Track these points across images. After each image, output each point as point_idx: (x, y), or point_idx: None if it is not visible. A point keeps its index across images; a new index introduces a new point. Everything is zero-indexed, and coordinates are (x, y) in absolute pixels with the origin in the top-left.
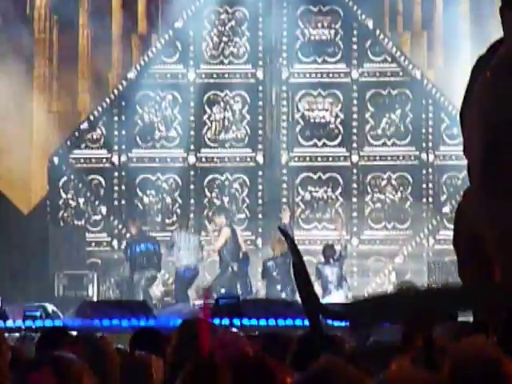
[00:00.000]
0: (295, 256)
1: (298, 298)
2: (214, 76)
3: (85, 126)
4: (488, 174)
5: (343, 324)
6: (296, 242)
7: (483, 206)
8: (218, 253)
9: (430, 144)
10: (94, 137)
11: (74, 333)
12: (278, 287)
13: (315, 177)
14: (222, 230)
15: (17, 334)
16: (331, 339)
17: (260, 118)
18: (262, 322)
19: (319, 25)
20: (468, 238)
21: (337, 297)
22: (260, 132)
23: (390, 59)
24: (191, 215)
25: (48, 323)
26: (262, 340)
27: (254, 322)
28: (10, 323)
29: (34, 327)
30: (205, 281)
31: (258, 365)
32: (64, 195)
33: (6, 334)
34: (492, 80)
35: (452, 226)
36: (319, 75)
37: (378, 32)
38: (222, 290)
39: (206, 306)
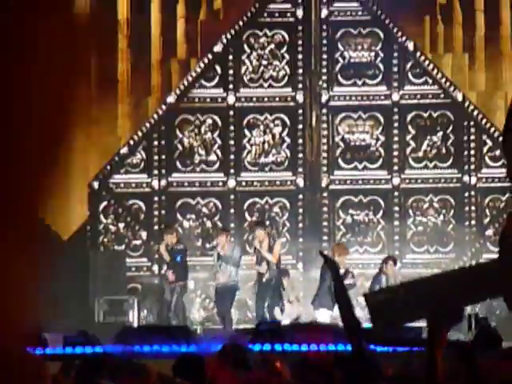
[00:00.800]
0: (336, 280)
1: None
2: (254, 99)
3: (125, 150)
4: None
5: (385, 349)
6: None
7: None
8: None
9: (473, 166)
10: (134, 161)
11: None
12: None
13: (356, 200)
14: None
15: (57, 362)
16: (374, 364)
17: (300, 141)
18: (304, 348)
19: (359, 47)
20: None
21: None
22: (300, 155)
23: (430, 81)
24: (231, 238)
25: (88, 350)
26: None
27: (295, 347)
28: (49, 350)
29: (74, 354)
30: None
31: None
32: (104, 220)
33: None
34: None
35: (495, 249)
36: (359, 98)
37: (418, 54)
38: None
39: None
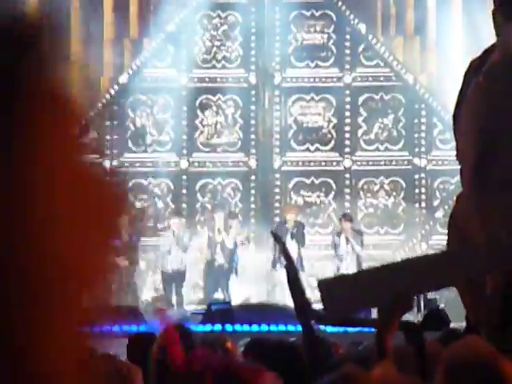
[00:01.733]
0: (287, 261)
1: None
2: (207, 80)
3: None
4: (480, 178)
5: (336, 330)
6: (288, 247)
7: (474, 209)
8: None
9: (423, 149)
10: (86, 141)
11: None
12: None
13: (308, 181)
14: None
15: None
16: (326, 345)
17: (252, 122)
18: (255, 328)
19: (312, 29)
20: (460, 242)
21: None
22: (252, 136)
23: (382, 64)
24: (182, 220)
25: None
26: (248, 347)
27: (246, 327)
28: None
29: None
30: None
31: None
32: None
33: None
34: (485, 85)
35: (445, 231)
36: (312, 80)
37: (370, 36)
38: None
39: (167, 329)
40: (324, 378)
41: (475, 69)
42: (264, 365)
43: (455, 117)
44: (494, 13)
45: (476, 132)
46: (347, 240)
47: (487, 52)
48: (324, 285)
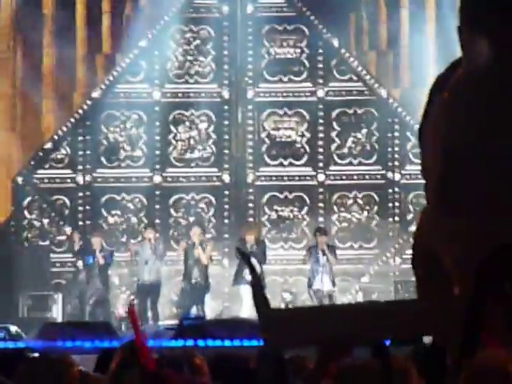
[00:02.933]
0: (252, 274)
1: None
2: (180, 95)
3: (49, 145)
4: (444, 194)
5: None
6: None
7: (439, 226)
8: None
9: (397, 163)
10: (59, 157)
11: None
12: None
13: (282, 196)
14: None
15: None
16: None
17: (226, 137)
18: (227, 343)
19: (284, 43)
20: (425, 259)
21: None
22: (226, 151)
23: (355, 78)
24: (157, 235)
25: (10, 345)
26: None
27: (218, 343)
28: None
29: None
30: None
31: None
32: (28, 215)
33: None
34: (450, 101)
35: None
36: (285, 94)
37: (343, 51)
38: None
39: (135, 327)
40: None
41: (440, 84)
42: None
43: (421, 131)
44: (459, 28)
45: (439, 151)
46: (323, 253)
47: (453, 67)
48: (265, 311)
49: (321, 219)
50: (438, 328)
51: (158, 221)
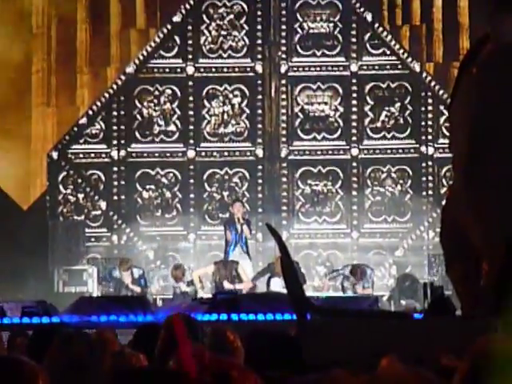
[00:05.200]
0: (283, 253)
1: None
2: (213, 70)
3: (83, 121)
4: (473, 168)
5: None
6: (295, 235)
7: (468, 201)
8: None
9: (430, 137)
10: (93, 132)
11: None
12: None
13: (315, 170)
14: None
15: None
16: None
17: (259, 111)
18: (260, 317)
19: (318, 18)
20: (454, 232)
21: None
22: (259, 126)
23: (388, 52)
24: (191, 210)
25: (45, 320)
26: (246, 338)
27: (252, 317)
28: (7, 320)
29: (31, 324)
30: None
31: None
32: (63, 190)
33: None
34: (478, 77)
35: None
36: (318, 68)
37: (376, 25)
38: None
39: (182, 339)
40: (310, 375)
41: (469, 60)
42: (261, 356)
43: (450, 106)
44: (486, 5)
45: (469, 122)
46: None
47: (480, 42)
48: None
49: (354, 193)
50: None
51: (192, 195)
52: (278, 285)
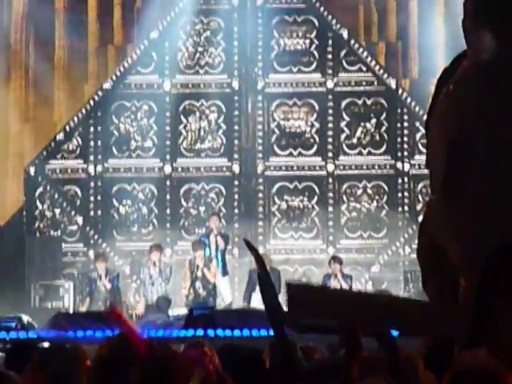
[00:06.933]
0: (260, 266)
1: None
2: (190, 86)
3: (61, 136)
4: (450, 191)
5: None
6: (271, 251)
7: (445, 218)
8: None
9: (406, 153)
10: (70, 147)
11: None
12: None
13: (291, 186)
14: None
15: None
16: (296, 350)
17: (236, 127)
18: (237, 333)
19: (294, 34)
20: (431, 248)
21: None
22: (236, 142)
23: (365, 69)
24: (167, 225)
25: (22, 335)
26: (221, 353)
27: (228, 332)
28: None
29: (7, 339)
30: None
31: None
32: (40, 206)
33: None
34: (456, 93)
35: None
36: (294, 85)
37: (352, 42)
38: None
39: (123, 322)
40: None
41: (446, 77)
42: (232, 370)
43: (427, 124)
44: (463, 21)
45: (446, 142)
46: (337, 280)
47: (457, 60)
48: (293, 289)
49: (330, 209)
50: (445, 323)
51: (168, 211)
52: (258, 301)
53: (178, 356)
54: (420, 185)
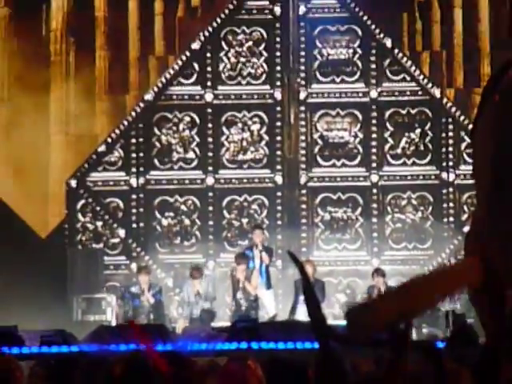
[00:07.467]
0: (303, 279)
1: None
2: (232, 97)
3: (102, 148)
4: (496, 203)
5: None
6: (315, 263)
7: (491, 225)
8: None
9: (451, 163)
10: (112, 159)
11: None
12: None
13: (335, 197)
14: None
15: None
16: (342, 362)
17: (278, 138)
18: (281, 346)
19: (337, 44)
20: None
21: None
22: (278, 152)
23: (408, 78)
24: (210, 237)
25: (64, 349)
26: (265, 366)
27: (272, 345)
28: (25, 349)
29: (49, 353)
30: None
31: None
32: (82, 218)
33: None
34: (501, 104)
35: None
36: (337, 95)
37: (396, 51)
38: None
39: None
40: None
41: (492, 86)
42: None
43: (472, 134)
44: (509, 29)
45: (492, 156)
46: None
47: (504, 68)
48: (351, 309)
49: (374, 220)
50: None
51: (211, 222)
52: (303, 313)
53: (192, 365)
54: (465, 195)
